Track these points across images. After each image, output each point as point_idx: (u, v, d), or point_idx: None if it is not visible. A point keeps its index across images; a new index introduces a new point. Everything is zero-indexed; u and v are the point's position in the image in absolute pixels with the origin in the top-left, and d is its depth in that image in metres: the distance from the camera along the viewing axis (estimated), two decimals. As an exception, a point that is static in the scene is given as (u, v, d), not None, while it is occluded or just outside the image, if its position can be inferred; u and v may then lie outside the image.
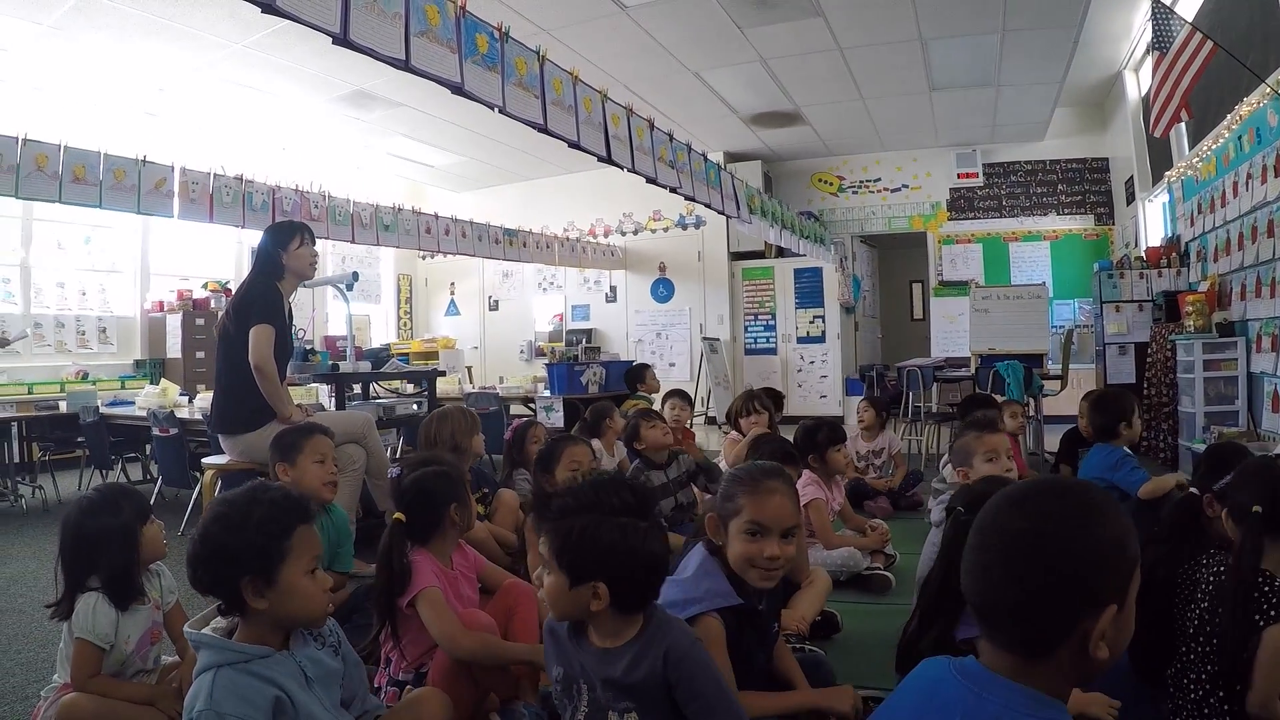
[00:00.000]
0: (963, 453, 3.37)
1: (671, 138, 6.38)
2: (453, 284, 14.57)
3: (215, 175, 6.69)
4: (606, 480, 1.96)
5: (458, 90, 4.08)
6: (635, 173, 5.83)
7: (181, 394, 7.05)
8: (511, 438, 4.72)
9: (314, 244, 4.75)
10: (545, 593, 1.91)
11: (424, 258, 12.58)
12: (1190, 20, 6.62)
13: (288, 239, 4.60)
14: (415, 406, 6.17)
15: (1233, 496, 2.29)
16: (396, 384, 7.41)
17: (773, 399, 6.09)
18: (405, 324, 14.40)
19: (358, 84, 8.72)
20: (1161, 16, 6.41)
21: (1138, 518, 4.07)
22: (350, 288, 5.89)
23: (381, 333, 13.78)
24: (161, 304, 10.04)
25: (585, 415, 5.88)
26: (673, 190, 6.47)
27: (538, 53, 4.70)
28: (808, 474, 4.39)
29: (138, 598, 2.52)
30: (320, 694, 1.94)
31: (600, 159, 5.41)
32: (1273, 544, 2.16)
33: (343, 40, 3.43)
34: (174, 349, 9.77)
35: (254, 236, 8.99)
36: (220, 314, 4.67)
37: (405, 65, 3.74)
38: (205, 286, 10.29)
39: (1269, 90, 6.01)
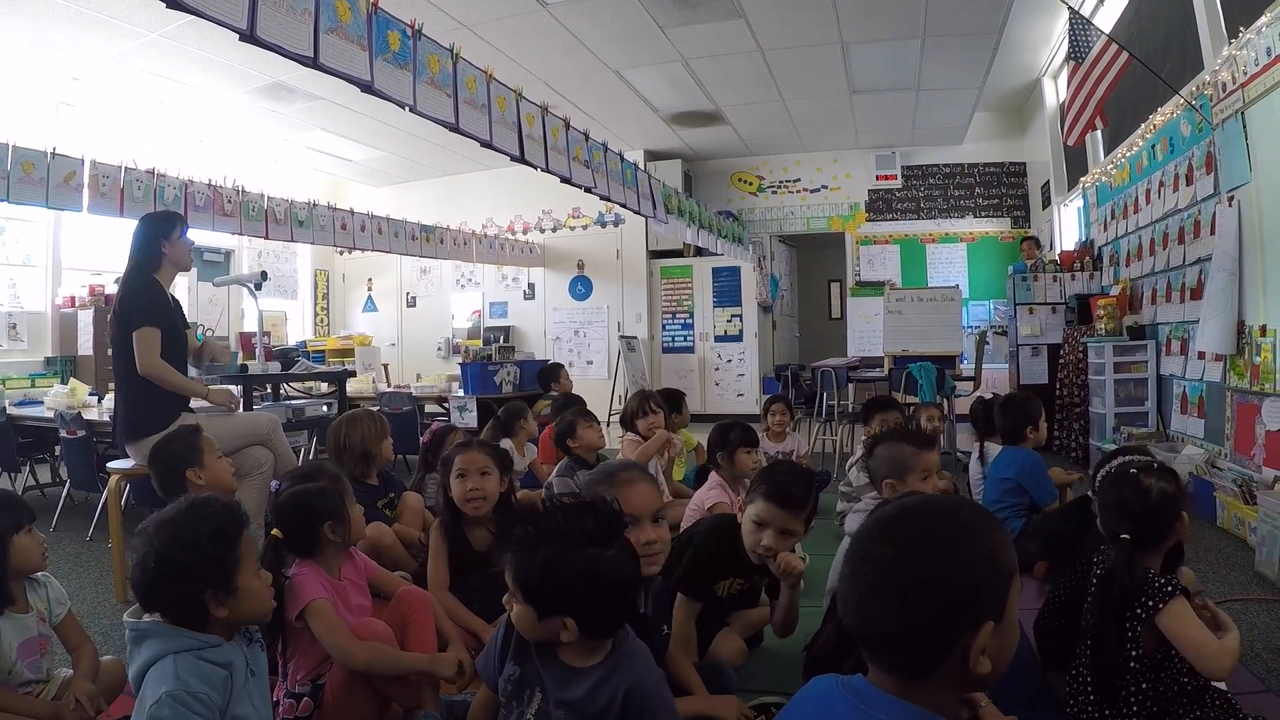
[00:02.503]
0: (898, 465, 3.31)
1: (588, 137, 6.34)
2: (370, 280, 14.35)
3: (126, 169, 6.47)
4: (570, 506, 1.92)
5: (367, 89, 4.00)
6: (549, 172, 5.78)
7: (91, 393, 6.81)
8: (429, 441, 4.66)
9: (186, 232, 4.65)
10: (514, 618, 1.88)
11: (341, 253, 12.40)
12: (1108, 31, 6.79)
13: (167, 229, 4.49)
14: (325, 408, 6.08)
15: (1101, 518, 2.41)
16: (310, 384, 7.30)
17: (670, 400, 6.08)
18: (322, 320, 14.14)
19: (275, 76, 8.52)
20: (1079, 27, 6.55)
21: (1043, 523, 4.18)
22: (259, 287, 5.76)
23: (298, 329, 13.52)
24: (73, 299, 9.70)
25: (499, 414, 5.84)
26: (588, 190, 6.43)
27: (451, 50, 4.63)
28: (713, 476, 4.37)
29: (9, 603, 2.44)
30: (255, 690, 2.02)
31: (514, 158, 5.35)
32: (1144, 554, 2.30)
33: (249, 37, 3.34)
34: (85, 346, 9.44)
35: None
36: (108, 317, 4.53)
37: (314, 63, 3.65)
38: (117, 281, 9.98)
39: (1182, 101, 6.17)
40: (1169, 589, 2.17)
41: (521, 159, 5.36)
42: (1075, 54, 6.57)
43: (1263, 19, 5.02)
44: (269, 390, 6.35)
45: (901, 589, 1.22)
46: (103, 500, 5.61)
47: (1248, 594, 3.97)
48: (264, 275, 5.74)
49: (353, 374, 7.60)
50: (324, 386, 7.31)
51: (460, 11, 7.26)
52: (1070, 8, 6.64)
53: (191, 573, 1.87)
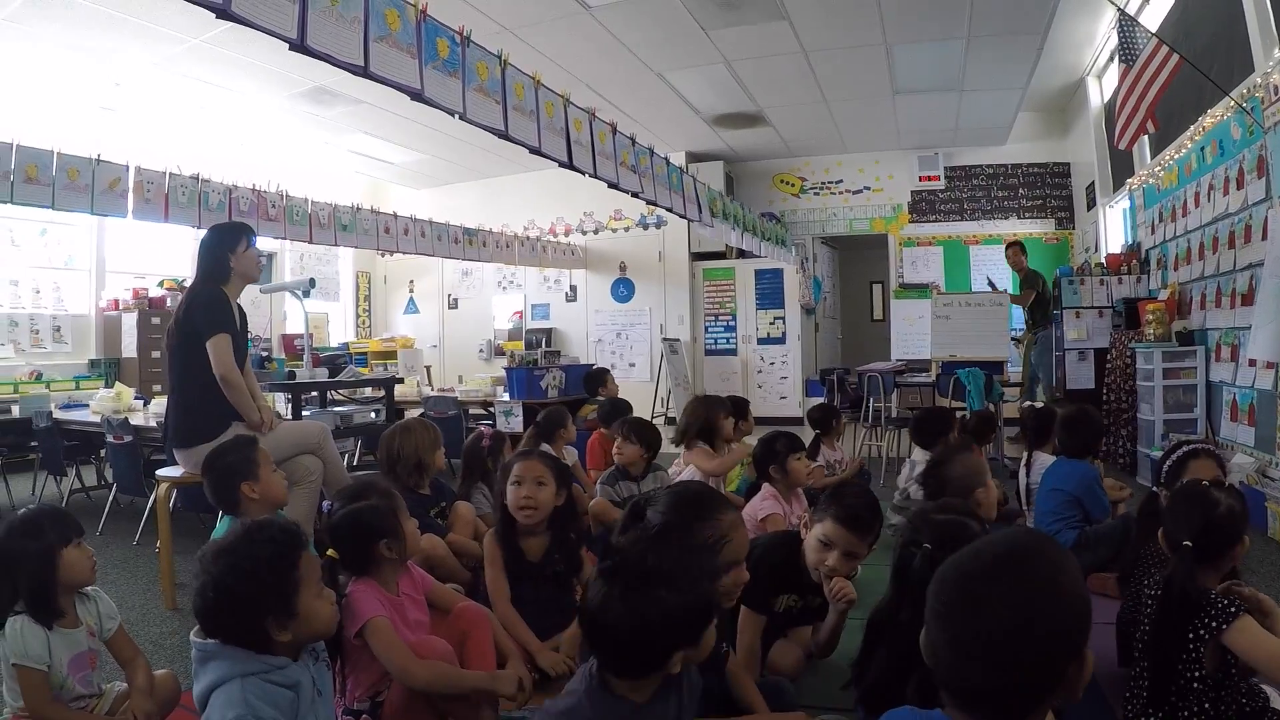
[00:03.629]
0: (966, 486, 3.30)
1: (634, 141, 6.32)
2: (412, 282, 14.44)
3: (171, 175, 6.54)
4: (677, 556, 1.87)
5: (417, 96, 3.99)
6: (597, 178, 5.77)
7: (137, 397, 6.89)
8: (473, 449, 4.63)
9: (255, 244, 4.64)
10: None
11: (383, 255, 12.48)
12: (1154, 31, 6.67)
13: (234, 242, 4.48)
14: (373, 414, 6.09)
15: (1166, 526, 2.40)
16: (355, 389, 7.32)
17: (736, 407, 6.03)
18: (364, 322, 14.23)
19: (318, 81, 8.57)
20: (1128, 28, 6.45)
21: (1094, 535, 4.14)
22: (307, 294, 5.78)
23: (340, 331, 13.61)
24: (117, 302, 9.84)
25: (539, 419, 5.81)
26: (634, 195, 6.42)
27: (499, 57, 4.62)
28: (766, 488, 4.33)
29: (58, 617, 2.45)
30: (322, 710, 2.05)
31: (561, 164, 5.34)
32: (1203, 570, 2.28)
33: (300, 46, 3.34)
34: (129, 349, 9.58)
35: (210, 235, 8.91)
36: (169, 326, 4.53)
37: (364, 72, 3.64)
38: (161, 284, 10.09)
39: (1232, 103, 6.05)
40: (1232, 609, 2.14)
41: (570, 165, 5.35)
42: (1125, 56, 6.46)
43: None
44: (315, 396, 6.36)
45: (1007, 649, 1.21)
46: (150, 505, 5.64)
47: None
48: (312, 282, 5.77)
49: (400, 380, 7.63)
50: (366, 390, 7.33)
51: (503, 15, 7.27)
52: (1119, 9, 6.55)
53: (251, 601, 1.89)
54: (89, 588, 2.60)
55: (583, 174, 5.62)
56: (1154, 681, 2.21)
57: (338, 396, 6.71)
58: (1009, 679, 1.21)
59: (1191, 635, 2.18)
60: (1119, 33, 6.54)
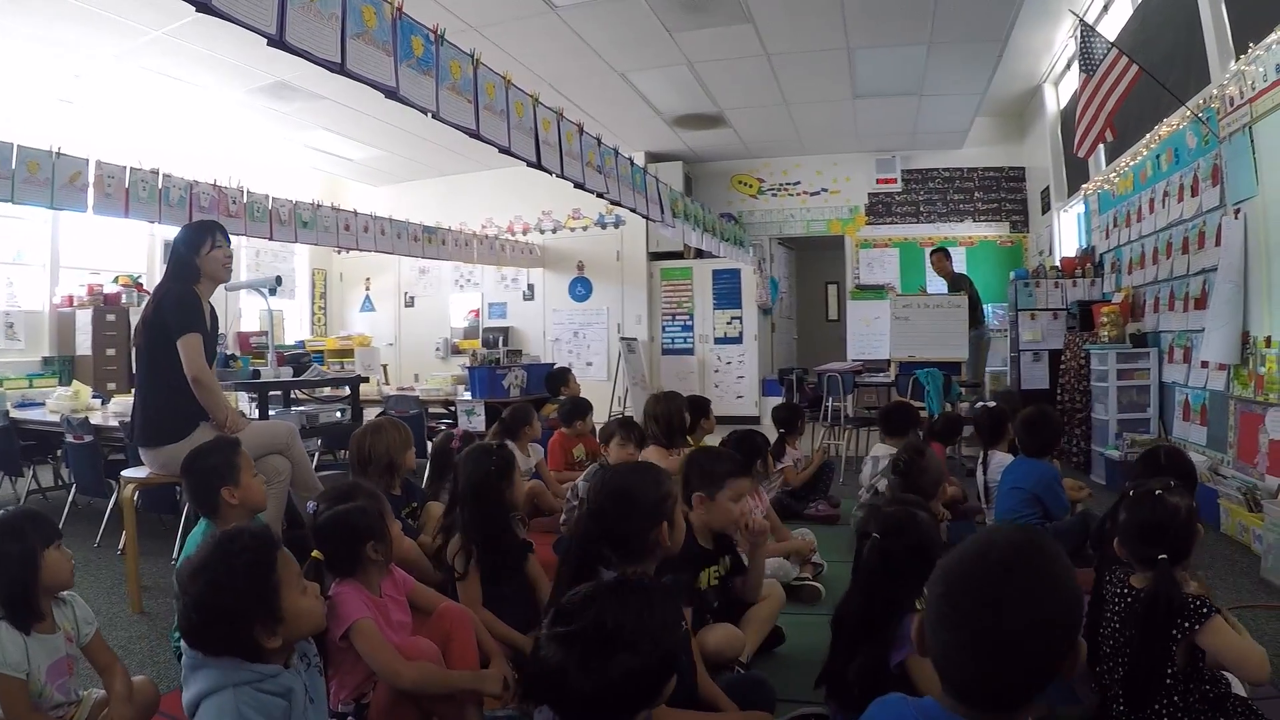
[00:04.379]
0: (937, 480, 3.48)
1: (600, 142, 6.34)
2: (368, 279, 14.32)
3: (132, 169, 6.43)
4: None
5: (391, 95, 3.98)
6: (564, 178, 5.78)
7: (94, 396, 6.77)
8: (442, 449, 4.60)
9: (228, 244, 4.55)
10: None
11: (340, 252, 12.38)
12: (1113, 40, 6.78)
13: (200, 242, 4.40)
14: (338, 414, 6.03)
15: (1129, 543, 2.43)
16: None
17: (696, 406, 6.07)
18: (320, 320, 14.11)
19: (279, 75, 8.48)
20: (1088, 38, 6.55)
21: (1055, 531, 4.23)
22: (274, 292, 5.72)
23: (296, 329, 13.47)
24: (71, 298, 9.65)
25: (504, 416, 5.81)
26: (599, 195, 6.43)
27: (472, 56, 4.62)
28: None
29: (38, 622, 2.41)
30: (314, 717, 2.05)
31: (530, 164, 5.34)
32: (1176, 569, 2.35)
33: (279, 42, 3.31)
34: (84, 346, 9.39)
35: (167, 230, 8.75)
36: (136, 324, 4.44)
37: (341, 69, 3.63)
38: (116, 281, 9.91)
39: (1189, 113, 6.18)
40: (1205, 609, 2.21)
41: (539, 165, 5.35)
42: (1086, 66, 6.56)
43: (1273, 35, 5.04)
44: (278, 395, 6.28)
45: (1018, 646, 1.27)
46: (110, 506, 5.57)
47: (1256, 601, 4.03)
48: (278, 280, 5.71)
49: (365, 379, 7.56)
50: (325, 389, 7.25)
51: (469, 13, 7.24)
52: (1080, 19, 6.64)
53: (236, 613, 1.88)
54: (65, 592, 2.55)
55: (550, 174, 5.62)
56: (1136, 683, 2.27)
57: (300, 395, 6.62)
58: (1017, 671, 1.27)
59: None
60: (1080, 42, 6.64)
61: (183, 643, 1.94)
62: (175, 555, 4.99)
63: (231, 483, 3.11)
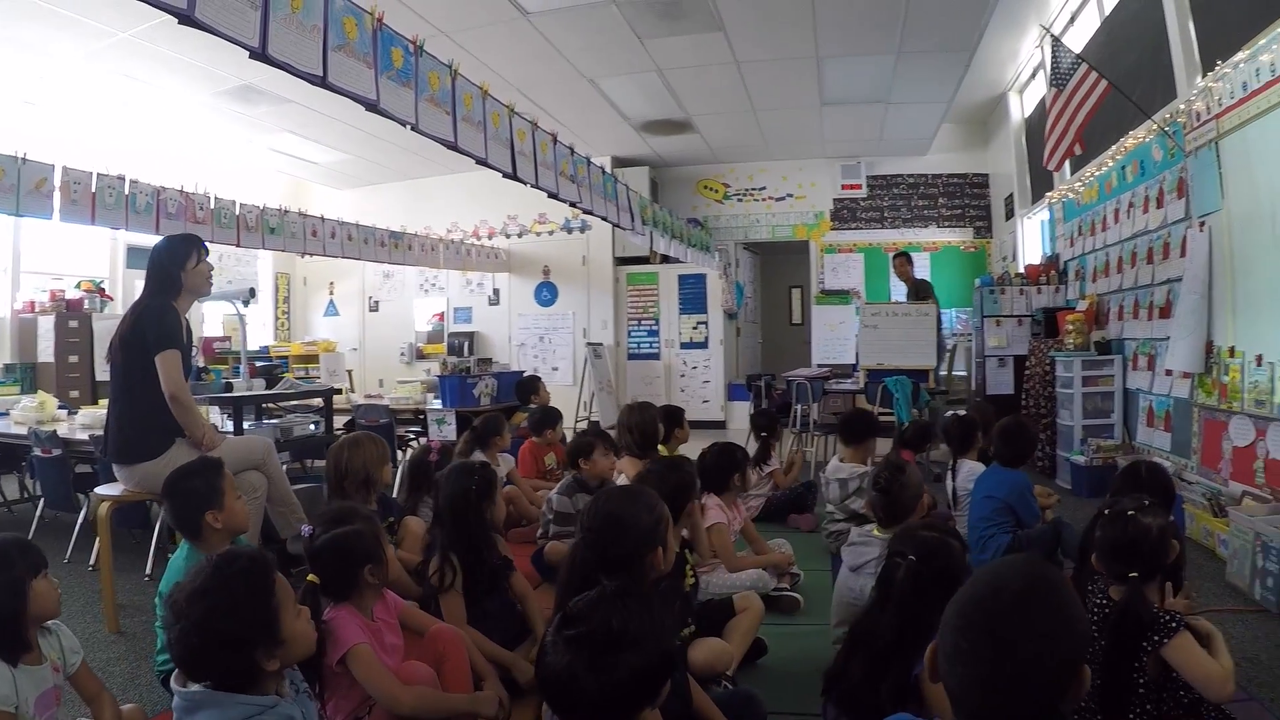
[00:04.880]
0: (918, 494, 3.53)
1: (573, 151, 6.33)
2: (332, 284, 14.18)
3: (98, 175, 6.28)
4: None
5: (372, 108, 3.94)
6: (539, 188, 5.76)
7: (60, 406, 6.63)
8: (419, 462, 4.56)
9: (208, 256, 4.51)
10: None
11: (303, 256, 12.25)
12: (1079, 53, 6.88)
13: (184, 256, 4.34)
14: (312, 427, 5.96)
15: (1104, 560, 2.51)
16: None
17: (670, 416, 6.08)
18: (283, 325, 13.96)
19: (246, 79, 8.37)
20: (1059, 53, 6.64)
21: (1026, 540, 4.37)
22: (247, 303, 5.65)
23: (259, 334, 13.30)
24: (33, 304, 9.45)
25: (475, 425, 5.79)
26: (573, 205, 6.43)
27: (450, 67, 4.59)
28: (712, 497, 4.40)
29: (26, 653, 2.36)
30: None
31: (505, 175, 5.32)
32: (1147, 588, 2.44)
33: (261, 55, 3.28)
34: (46, 353, 9.17)
35: (130, 235, 8.63)
36: (112, 338, 4.35)
37: (323, 82, 3.59)
38: (79, 286, 9.73)
39: (1155, 127, 6.27)
40: (1174, 625, 2.29)
41: (514, 176, 5.33)
42: (1056, 80, 6.65)
43: (1240, 54, 5.15)
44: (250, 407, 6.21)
45: (1031, 680, 1.34)
46: (79, 521, 5.50)
47: (1222, 605, 4.15)
48: (252, 292, 5.65)
49: (338, 391, 7.48)
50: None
51: (440, 18, 7.22)
52: (1052, 35, 6.73)
53: (238, 637, 1.86)
54: (50, 621, 2.51)
55: (525, 184, 5.60)
56: (1110, 692, 2.32)
57: (272, 407, 6.53)
58: (1028, 703, 1.33)
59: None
60: (1052, 58, 6.73)
61: (175, 682, 1.90)
62: (148, 571, 4.95)
63: (215, 506, 3.07)
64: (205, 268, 4.42)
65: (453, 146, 4.63)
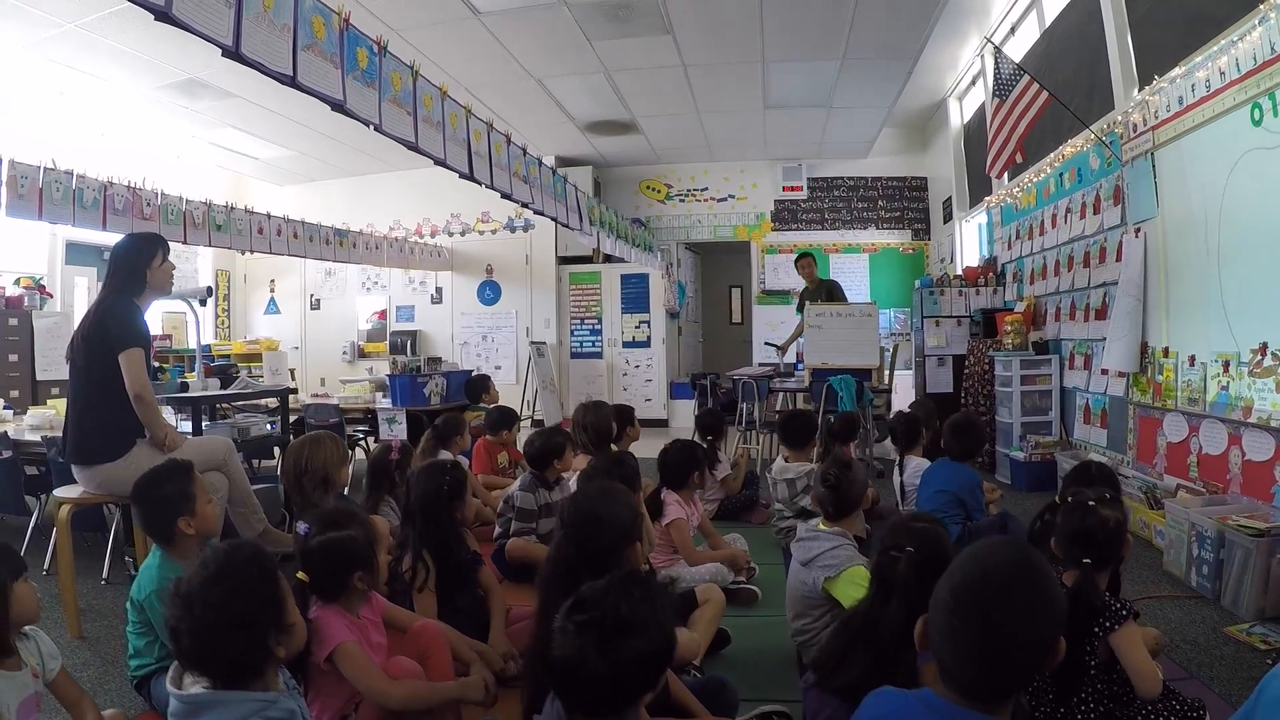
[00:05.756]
0: (863, 490, 3.63)
1: (525, 151, 6.37)
2: (272, 281, 13.97)
3: (46, 170, 6.18)
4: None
5: (338, 108, 3.97)
6: (493, 189, 5.79)
7: (6, 407, 6.49)
8: (380, 461, 4.55)
9: (169, 255, 4.48)
10: None
11: (244, 253, 12.09)
12: (1018, 61, 7.07)
13: (150, 254, 4.31)
14: (269, 427, 5.92)
15: (1062, 546, 2.66)
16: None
17: (622, 415, 6.14)
18: (223, 322, 13.75)
19: (191, 73, 8.26)
20: (1003, 64, 6.83)
21: (977, 529, 4.55)
22: (204, 303, 5.60)
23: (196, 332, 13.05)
24: (-30, 301, 9.22)
25: (437, 425, 5.80)
26: (525, 206, 6.47)
27: (411, 68, 4.62)
28: (670, 493, 4.49)
29: (6, 657, 2.34)
30: None
31: (461, 175, 5.35)
32: (1099, 575, 2.58)
33: (234, 54, 3.28)
34: (-16, 351, 8.98)
35: (69, 231, 8.48)
36: (73, 336, 4.28)
37: (293, 82, 3.61)
38: (18, 283, 9.48)
39: (1093, 137, 6.47)
40: (1124, 612, 2.43)
41: (470, 176, 5.36)
42: (999, 91, 6.84)
43: (1176, 70, 5.38)
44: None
45: (1021, 654, 1.50)
46: (32, 524, 5.41)
47: (1160, 592, 4.40)
48: (209, 290, 5.59)
49: (295, 390, 7.42)
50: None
51: (390, 15, 7.19)
52: (995, 46, 6.92)
53: (257, 619, 1.88)
54: (27, 626, 2.48)
55: (480, 184, 5.63)
56: (1061, 672, 2.44)
57: (225, 408, 6.44)
58: (1015, 672, 1.51)
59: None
60: (995, 69, 6.92)
61: (171, 684, 1.90)
62: (104, 575, 4.87)
63: (188, 513, 3.05)
64: (169, 267, 4.39)
65: (413, 147, 4.67)
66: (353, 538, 2.62)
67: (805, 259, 9.93)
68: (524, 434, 6.48)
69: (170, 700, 1.88)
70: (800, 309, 9.82)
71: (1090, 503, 2.62)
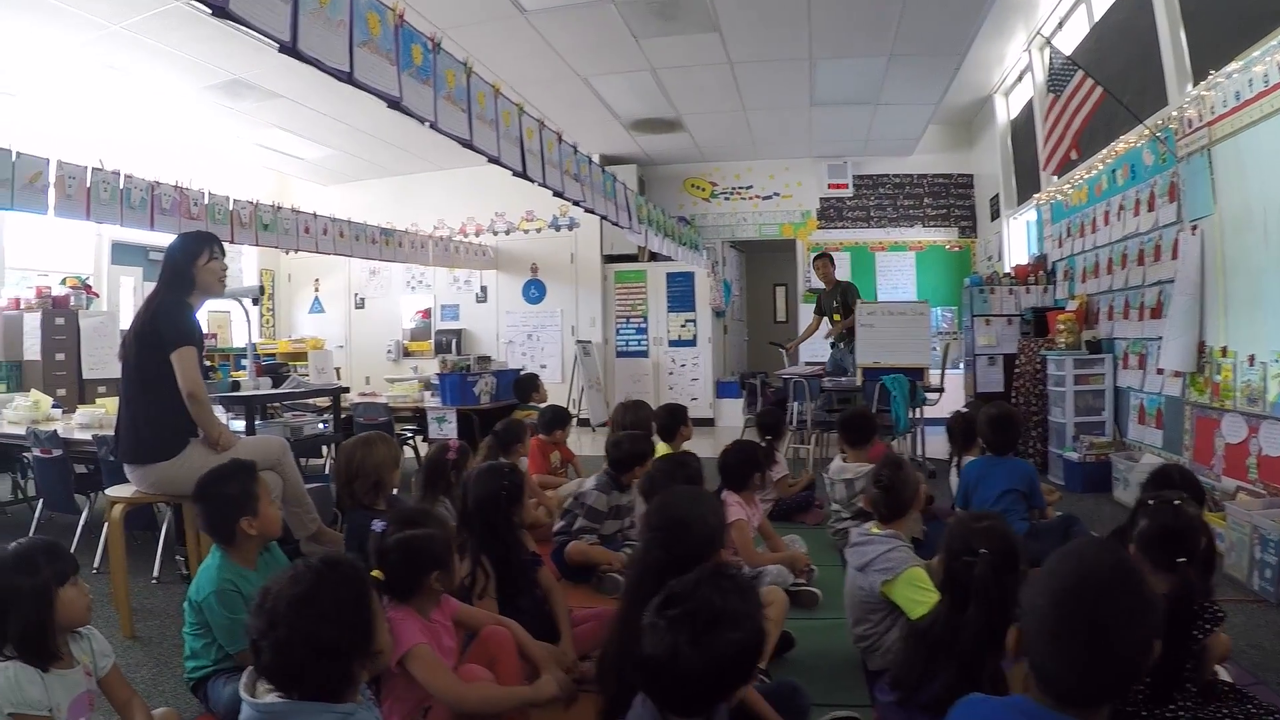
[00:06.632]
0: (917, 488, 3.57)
1: (576, 150, 6.37)
2: (317, 280, 14.07)
3: (93, 170, 6.22)
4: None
5: (394, 105, 3.97)
6: (545, 186, 5.80)
7: (55, 405, 6.56)
8: (436, 461, 4.49)
9: (224, 255, 4.44)
10: None
11: (288, 253, 12.17)
12: (1069, 54, 6.97)
13: (197, 252, 4.25)
14: (321, 426, 5.94)
15: (1149, 549, 2.53)
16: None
17: (673, 415, 6.10)
18: (268, 321, 13.84)
19: (236, 73, 8.35)
20: (1056, 59, 6.73)
21: (1044, 528, 4.53)
22: (256, 302, 5.62)
23: (243, 330, 13.17)
24: (18, 301, 9.32)
25: (497, 430, 5.75)
26: (576, 203, 6.47)
27: (465, 65, 4.62)
28: (730, 494, 4.45)
29: (54, 659, 2.33)
30: None
31: (515, 173, 5.35)
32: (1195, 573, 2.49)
33: (292, 50, 3.28)
34: (32, 350, 9.01)
35: (115, 231, 8.56)
36: (125, 335, 4.27)
37: (349, 79, 3.61)
38: (64, 283, 9.62)
39: (1147, 132, 6.37)
40: (1221, 615, 2.39)
41: (524, 174, 5.37)
42: (1054, 86, 6.75)
43: (1233, 64, 5.27)
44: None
45: (1124, 658, 1.48)
46: (81, 523, 5.44)
47: (1223, 596, 4.23)
48: (261, 289, 5.59)
49: (346, 389, 7.44)
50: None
51: (436, 14, 7.18)
52: (1048, 40, 6.84)
53: (342, 648, 1.82)
54: (82, 627, 2.48)
55: (533, 182, 5.63)
56: (1160, 677, 2.35)
57: (274, 407, 6.44)
58: (1116, 676, 1.48)
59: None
60: (1049, 65, 6.84)
61: (244, 692, 1.85)
62: (155, 574, 4.89)
63: (250, 513, 3.01)
64: (217, 265, 4.32)
65: (468, 144, 4.67)
66: (431, 536, 2.58)
67: (822, 259, 9.88)
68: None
69: (244, 707, 1.84)
70: (817, 310, 9.98)
71: (1176, 501, 2.56)
